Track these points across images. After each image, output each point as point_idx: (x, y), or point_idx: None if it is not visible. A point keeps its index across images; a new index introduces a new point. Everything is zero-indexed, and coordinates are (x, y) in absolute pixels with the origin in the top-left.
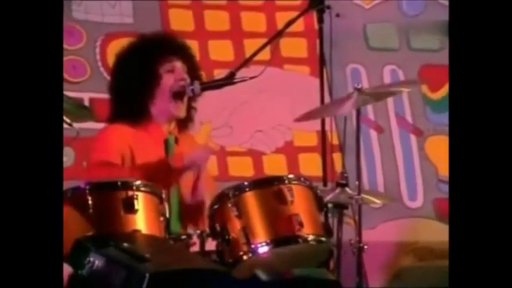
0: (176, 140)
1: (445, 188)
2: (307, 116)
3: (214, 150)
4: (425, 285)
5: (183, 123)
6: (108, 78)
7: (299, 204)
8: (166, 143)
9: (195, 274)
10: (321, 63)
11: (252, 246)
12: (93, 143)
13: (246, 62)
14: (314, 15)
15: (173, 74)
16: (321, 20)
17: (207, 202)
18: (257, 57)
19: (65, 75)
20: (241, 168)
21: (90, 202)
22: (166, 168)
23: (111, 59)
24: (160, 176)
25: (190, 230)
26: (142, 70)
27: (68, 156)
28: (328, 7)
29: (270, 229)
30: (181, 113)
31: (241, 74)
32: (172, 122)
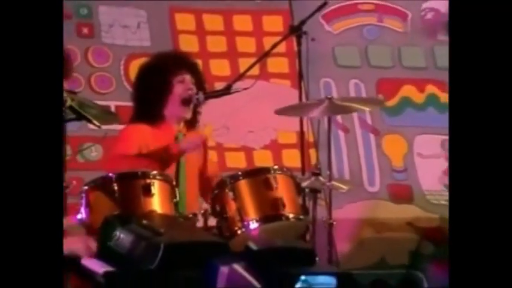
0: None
1: (397, 176)
2: (286, 111)
3: (203, 136)
4: (381, 251)
5: (190, 124)
6: (130, 90)
7: (282, 189)
8: (176, 139)
9: (200, 245)
10: (299, 78)
11: (245, 223)
12: (115, 139)
13: (240, 77)
14: (294, 39)
15: (183, 84)
16: (299, 43)
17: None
18: (249, 73)
19: (95, 88)
20: (236, 161)
21: (116, 188)
22: (169, 152)
23: (132, 75)
24: (165, 158)
25: (195, 210)
26: (158, 80)
27: (97, 152)
28: (305, 33)
29: (259, 209)
30: (188, 115)
31: (236, 86)
32: (182, 123)
